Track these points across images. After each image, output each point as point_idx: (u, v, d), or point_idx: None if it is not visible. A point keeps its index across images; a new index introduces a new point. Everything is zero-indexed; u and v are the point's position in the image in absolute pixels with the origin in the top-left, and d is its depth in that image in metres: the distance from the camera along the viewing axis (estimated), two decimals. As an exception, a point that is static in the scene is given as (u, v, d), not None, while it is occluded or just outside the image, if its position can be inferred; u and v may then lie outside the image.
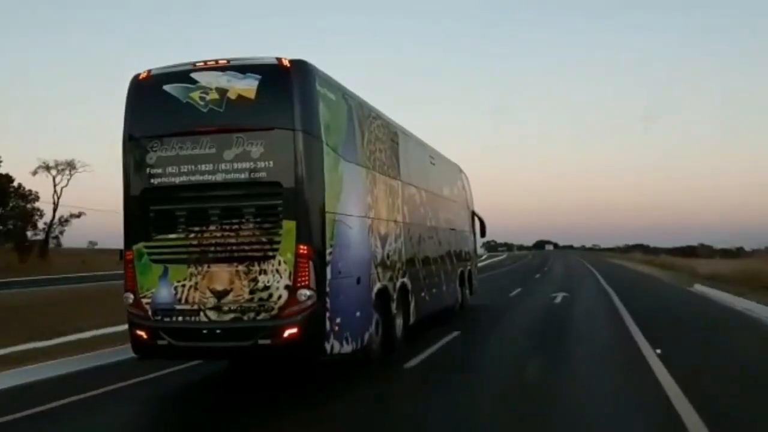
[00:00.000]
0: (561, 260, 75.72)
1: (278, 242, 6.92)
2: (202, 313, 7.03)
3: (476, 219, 18.17)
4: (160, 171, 7.17)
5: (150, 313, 7.20)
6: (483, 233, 18.87)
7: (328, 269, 7.16)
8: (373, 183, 8.92)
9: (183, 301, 7.08)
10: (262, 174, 6.93)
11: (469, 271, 16.48)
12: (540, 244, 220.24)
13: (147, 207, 7.27)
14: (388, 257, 9.37)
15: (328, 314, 7.10)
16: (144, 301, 7.22)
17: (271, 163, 6.92)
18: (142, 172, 7.24)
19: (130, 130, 7.37)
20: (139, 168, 7.26)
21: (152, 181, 7.20)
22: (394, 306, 9.50)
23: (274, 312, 6.89)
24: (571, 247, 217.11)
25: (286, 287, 6.88)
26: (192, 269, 7.07)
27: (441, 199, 13.66)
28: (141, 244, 7.26)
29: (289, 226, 6.89)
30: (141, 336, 7.24)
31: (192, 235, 7.11)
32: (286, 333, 6.84)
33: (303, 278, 6.87)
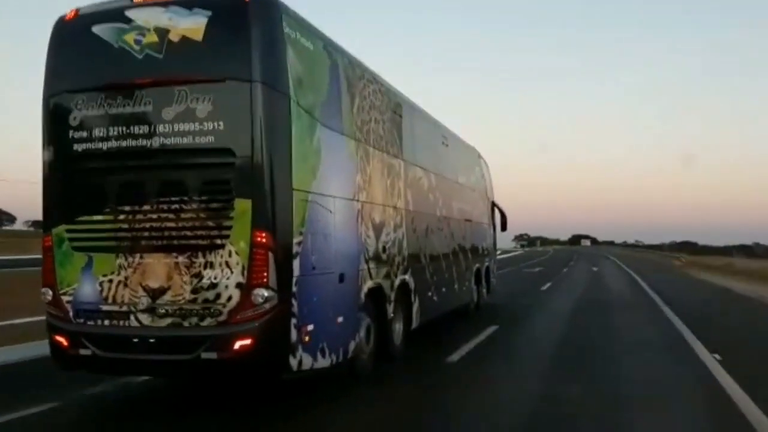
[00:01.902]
0: (583, 271, 36.07)
1: (229, 227, 5.36)
2: (132, 317, 5.50)
3: (496, 210, 16.49)
4: (84, 135, 5.64)
5: (71, 314, 5.70)
6: (504, 227, 17.17)
7: (296, 263, 5.58)
8: (366, 159, 7.31)
9: (110, 300, 5.56)
10: (210, 138, 5.37)
11: (486, 268, 14.79)
12: (575, 239, 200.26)
13: (68, 180, 5.76)
14: (383, 250, 7.76)
15: (294, 321, 5.53)
16: (64, 299, 5.71)
17: (221, 124, 5.35)
18: (64, 136, 5.71)
19: (52, 83, 5.85)
20: (61, 131, 5.73)
21: (75, 147, 5.68)
22: (390, 308, 7.90)
23: (223, 317, 5.35)
24: (612, 243, 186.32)
25: (239, 285, 5.32)
26: (121, 260, 5.54)
27: (455, 185, 12.00)
28: (61, 228, 5.75)
29: (243, 206, 5.32)
30: (60, 343, 5.74)
31: (122, 217, 5.57)
32: (237, 345, 5.29)
33: (260, 274, 5.30)
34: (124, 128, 5.52)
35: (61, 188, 5.77)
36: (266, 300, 5.30)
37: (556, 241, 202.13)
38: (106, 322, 5.56)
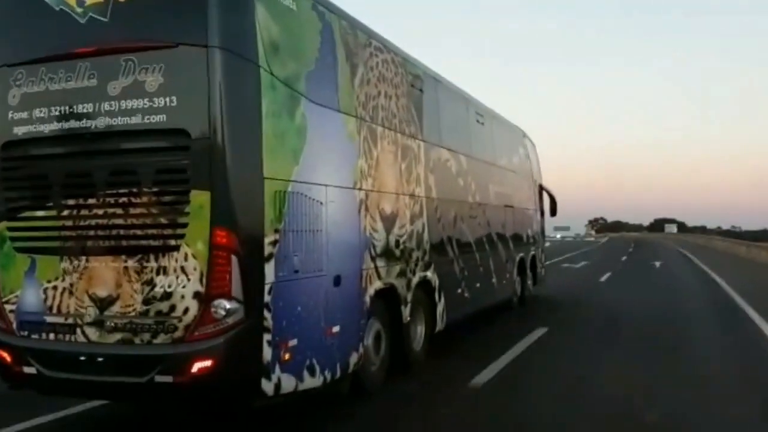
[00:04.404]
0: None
1: (184, 225, 4.44)
2: (79, 330, 4.67)
3: (545, 195, 15.18)
4: (25, 116, 4.80)
5: (15, 325, 4.91)
6: (553, 212, 15.87)
7: (270, 267, 4.62)
8: (372, 141, 6.27)
9: (55, 310, 4.74)
10: (160, 117, 4.44)
11: (532, 258, 13.54)
12: (658, 224, 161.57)
13: (8, 170, 4.94)
14: (397, 245, 6.73)
15: (268, 336, 4.58)
16: (8, 307, 4.92)
17: (174, 99, 4.41)
18: (3, 119, 4.89)
19: None
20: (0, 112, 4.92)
21: (15, 131, 4.84)
22: (407, 311, 6.88)
23: (178, 334, 4.44)
24: (703, 228, 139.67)
25: (196, 296, 4.40)
26: (66, 264, 4.70)
27: (492, 168, 10.80)
28: (2, 225, 4.95)
29: (200, 199, 4.38)
30: (4, 358, 4.96)
31: (65, 213, 4.72)
32: (195, 367, 4.38)
33: (221, 282, 4.37)
34: (67, 108, 4.65)
35: (1, 179, 4.96)
36: (229, 313, 4.36)
37: (638, 227, 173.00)
38: (51, 336, 4.75)
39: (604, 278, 20.29)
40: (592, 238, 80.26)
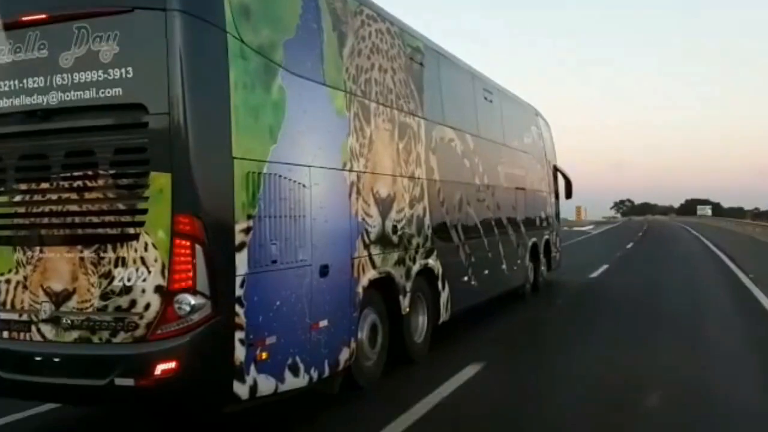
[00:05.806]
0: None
1: (143, 211, 3.99)
2: (34, 328, 4.24)
3: (559, 176, 14.57)
4: None
5: None
6: (568, 194, 15.21)
7: (242, 257, 4.15)
8: (363, 117, 5.76)
9: (8, 306, 4.32)
10: (116, 91, 3.97)
11: (546, 242, 12.96)
12: (689, 206, 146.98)
13: None
14: (394, 231, 6.24)
15: (240, 335, 4.13)
16: None
17: (130, 70, 3.94)
18: None
19: None
20: None
21: None
22: (405, 301, 6.40)
23: (140, 332, 4.00)
24: (740, 210, 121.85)
25: (158, 290, 3.96)
26: (20, 255, 4.28)
27: (502, 148, 10.23)
28: None
29: (160, 182, 3.92)
30: None
31: (17, 199, 4.30)
32: (159, 369, 3.93)
33: (184, 275, 3.91)
34: (17, 81, 4.20)
35: None
36: (194, 309, 3.91)
37: (668, 209, 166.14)
38: (5, 335, 4.33)
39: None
40: (590, 226, 64.50)
